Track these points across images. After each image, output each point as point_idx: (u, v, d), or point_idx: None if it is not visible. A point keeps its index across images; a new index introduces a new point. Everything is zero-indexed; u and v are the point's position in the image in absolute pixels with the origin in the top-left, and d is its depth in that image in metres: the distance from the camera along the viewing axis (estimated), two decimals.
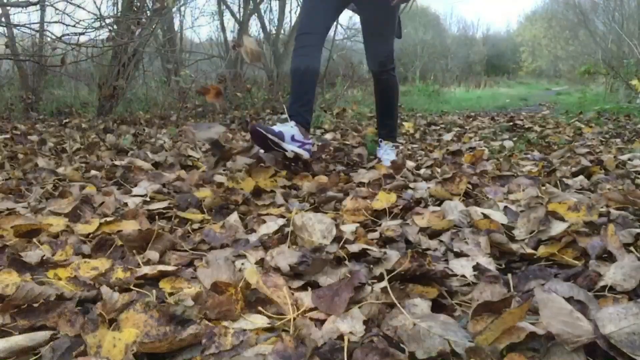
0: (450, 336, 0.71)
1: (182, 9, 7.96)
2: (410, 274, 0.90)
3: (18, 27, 5.03)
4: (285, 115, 2.22)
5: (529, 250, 1.12)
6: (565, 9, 18.67)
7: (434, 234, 1.27)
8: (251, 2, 7.61)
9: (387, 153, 2.59)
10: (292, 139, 2.08)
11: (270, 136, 1.98)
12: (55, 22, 4.41)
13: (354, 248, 1.09)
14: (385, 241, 1.24)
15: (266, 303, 0.89)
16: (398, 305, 0.81)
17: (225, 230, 1.33)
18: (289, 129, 2.10)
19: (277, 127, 2.07)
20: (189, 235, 1.34)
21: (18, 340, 0.75)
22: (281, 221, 1.35)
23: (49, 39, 4.87)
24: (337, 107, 6.28)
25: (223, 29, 7.98)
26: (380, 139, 2.69)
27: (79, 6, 4.38)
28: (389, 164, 2.27)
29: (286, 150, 2.03)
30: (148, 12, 5.59)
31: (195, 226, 1.42)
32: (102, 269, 1.03)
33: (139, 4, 5.48)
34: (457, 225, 1.30)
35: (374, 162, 2.47)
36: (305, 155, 2.12)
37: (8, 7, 5.00)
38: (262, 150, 2.14)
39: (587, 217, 1.25)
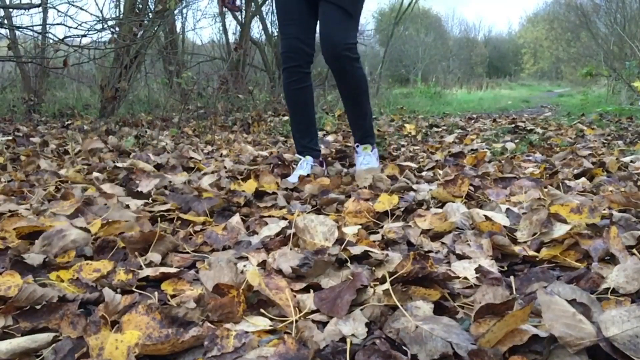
0: (453, 338, 0.71)
1: (184, 10, 7.98)
2: (412, 276, 0.90)
3: (20, 29, 5.05)
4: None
5: (531, 253, 1.11)
6: (567, 11, 18.65)
7: (436, 236, 1.27)
8: (253, 4, 7.62)
9: (366, 161, 2.25)
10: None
11: None
12: (58, 24, 4.47)
13: (356, 250, 1.09)
14: (387, 243, 1.24)
15: (268, 305, 0.89)
16: (400, 307, 0.80)
17: (227, 232, 1.33)
18: (310, 168, 2.18)
19: (309, 172, 2.13)
20: (191, 237, 1.34)
21: (20, 342, 0.75)
22: (283, 223, 1.35)
23: (51, 41, 4.88)
24: (338, 109, 6.28)
25: (225, 31, 8.00)
26: (356, 144, 2.35)
27: (81, 8, 4.40)
28: (366, 181, 1.91)
29: None
30: (150, 14, 5.60)
31: (197, 228, 1.42)
32: (104, 271, 1.03)
33: (141, 6, 5.49)
34: (459, 227, 1.30)
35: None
36: None
37: (10, 9, 5.02)
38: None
39: (590, 219, 1.24)
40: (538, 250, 1.14)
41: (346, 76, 2.15)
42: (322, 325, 0.82)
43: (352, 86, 2.20)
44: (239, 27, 7.78)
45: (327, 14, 2.09)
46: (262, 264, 1.09)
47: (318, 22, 2.15)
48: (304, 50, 2.16)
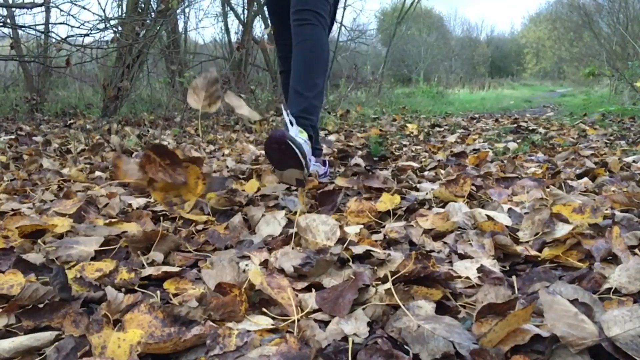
0: (455, 338, 0.71)
1: (187, 10, 7.99)
2: (414, 275, 0.90)
3: (23, 29, 5.06)
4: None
5: (534, 252, 1.11)
6: (570, 11, 18.62)
7: (438, 236, 1.27)
8: (255, 3, 7.62)
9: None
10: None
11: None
12: (60, 23, 4.49)
13: (358, 249, 1.09)
14: (389, 243, 1.24)
15: (270, 304, 0.89)
16: (402, 306, 0.80)
17: (230, 231, 1.33)
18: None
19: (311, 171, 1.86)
20: (193, 236, 1.34)
21: (23, 340, 0.75)
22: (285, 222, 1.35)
23: (53, 41, 4.89)
24: (340, 109, 6.29)
25: (227, 30, 8.02)
26: (289, 118, 1.71)
27: (84, 7, 4.41)
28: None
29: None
30: (152, 13, 5.61)
31: (200, 227, 1.42)
32: (106, 270, 1.03)
33: (143, 6, 5.50)
34: (461, 227, 1.30)
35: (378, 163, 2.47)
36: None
37: (13, 9, 5.03)
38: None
39: (592, 219, 1.24)
40: (540, 250, 1.13)
41: (305, 30, 1.83)
42: (324, 324, 0.82)
43: (309, 46, 1.84)
44: (241, 27, 7.79)
45: None
46: (264, 263, 1.09)
47: None
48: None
